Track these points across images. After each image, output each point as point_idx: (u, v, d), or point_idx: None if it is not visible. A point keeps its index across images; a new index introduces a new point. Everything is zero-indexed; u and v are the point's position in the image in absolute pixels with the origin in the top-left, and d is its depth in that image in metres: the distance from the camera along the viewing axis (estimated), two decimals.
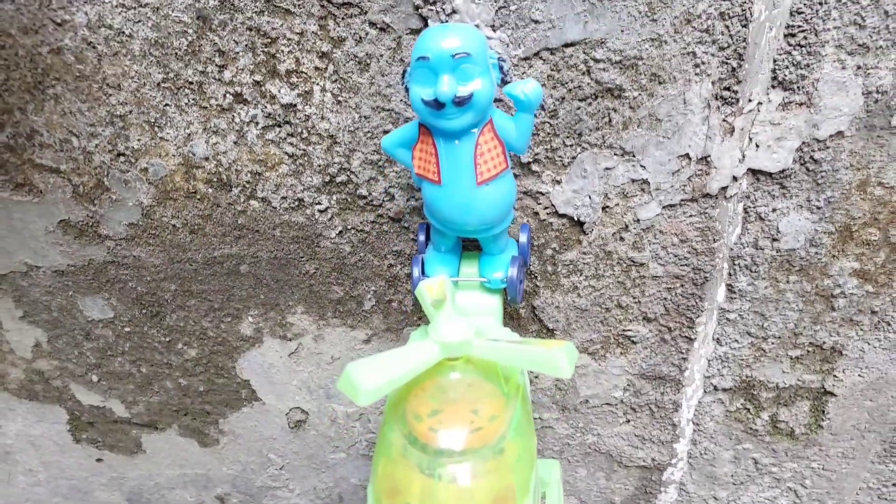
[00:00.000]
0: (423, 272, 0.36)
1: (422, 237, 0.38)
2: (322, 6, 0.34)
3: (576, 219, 0.42)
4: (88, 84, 0.37)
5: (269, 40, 0.35)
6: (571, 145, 0.39)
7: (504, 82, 0.30)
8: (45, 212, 0.41)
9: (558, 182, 0.40)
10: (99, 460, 0.53)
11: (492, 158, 0.30)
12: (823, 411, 0.48)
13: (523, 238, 0.38)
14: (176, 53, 0.36)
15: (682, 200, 0.40)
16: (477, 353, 0.30)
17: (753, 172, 0.39)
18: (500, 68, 0.30)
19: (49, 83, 0.36)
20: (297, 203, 0.41)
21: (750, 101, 0.37)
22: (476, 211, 0.31)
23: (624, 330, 0.47)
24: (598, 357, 0.48)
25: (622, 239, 0.43)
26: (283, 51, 0.36)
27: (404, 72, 0.30)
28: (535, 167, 0.40)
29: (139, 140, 0.39)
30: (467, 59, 0.27)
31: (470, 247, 0.40)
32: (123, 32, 0.35)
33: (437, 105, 0.28)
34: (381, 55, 0.36)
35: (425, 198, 0.32)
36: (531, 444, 0.31)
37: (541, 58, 0.36)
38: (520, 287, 0.37)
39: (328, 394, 0.49)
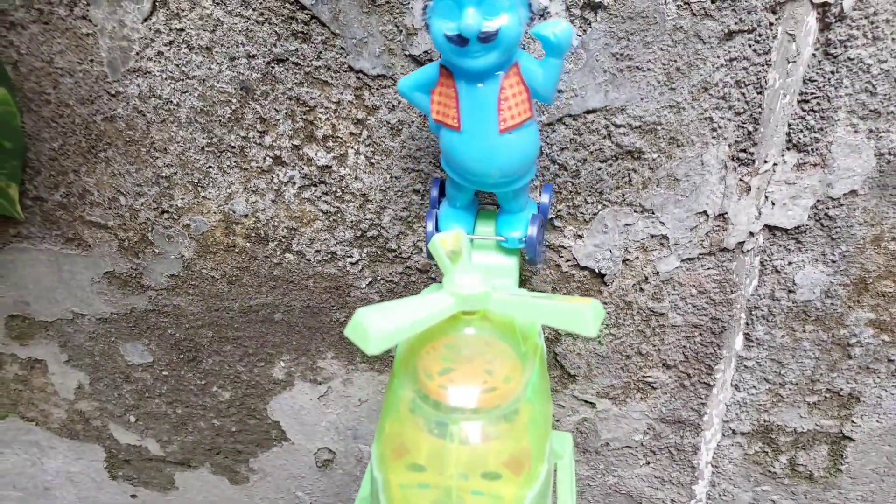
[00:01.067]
0: (436, 228, 0.34)
1: (435, 192, 0.35)
2: (358, 78, 0.37)
3: (597, 271, 0.43)
4: (137, 148, 0.39)
5: (307, 108, 0.38)
6: (593, 202, 0.41)
7: (532, 22, 0.29)
8: (92, 264, 0.43)
9: (580, 236, 0.42)
10: (133, 496, 0.55)
11: (517, 105, 0.28)
12: (842, 455, 0.49)
13: (545, 198, 0.35)
14: (220, 120, 0.38)
15: (700, 254, 0.42)
16: (496, 307, 0.28)
17: (769, 228, 0.40)
18: (529, 6, 0.28)
19: (101, 147, 0.39)
20: (329, 256, 0.43)
21: (765, 162, 0.38)
22: (497, 161, 0.30)
23: (644, 376, 0.48)
24: (618, 402, 0.49)
25: (642, 290, 0.44)
26: (320, 118, 0.38)
27: (425, 7, 0.29)
28: (557, 222, 0.41)
29: (182, 198, 0.41)
30: None
31: (487, 205, 0.38)
32: (171, 101, 0.38)
33: (460, 41, 0.26)
34: (413, 121, 0.38)
35: (443, 146, 0.30)
36: (547, 410, 0.29)
37: (563, 123, 0.38)
38: (539, 248, 0.34)
39: (355, 434, 0.51)
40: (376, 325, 0.24)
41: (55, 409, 0.50)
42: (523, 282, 0.44)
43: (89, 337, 0.46)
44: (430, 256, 0.33)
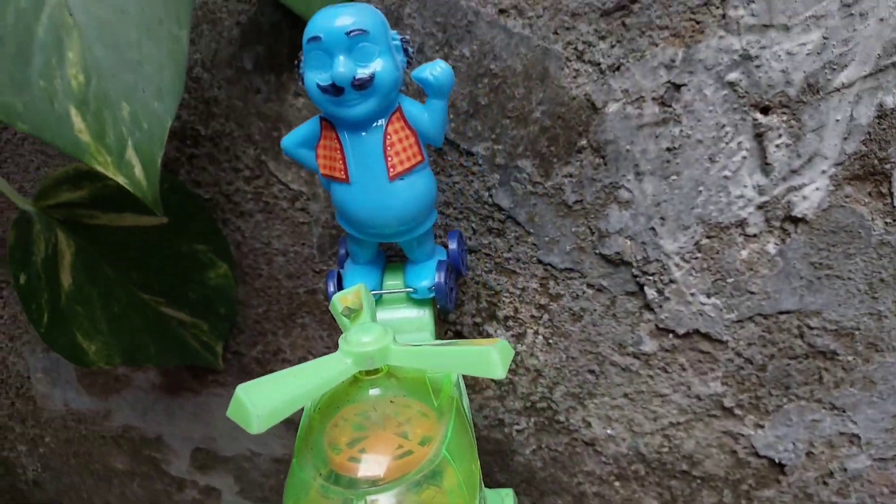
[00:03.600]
0: (339, 288, 0.33)
1: (342, 251, 0.34)
2: (545, 270, 0.38)
3: (776, 461, 0.41)
4: (329, 316, 0.42)
5: (492, 293, 0.39)
6: (777, 395, 0.39)
7: (410, 66, 0.28)
8: None
9: (761, 426, 0.40)
10: None
11: (404, 150, 0.28)
12: None
13: (452, 245, 0.34)
14: None
15: (894, 455, 0.39)
16: (397, 361, 0.26)
17: None
18: (405, 51, 0.27)
19: (300, 315, 0.42)
20: (497, 422, 0.44)
21: None
22: (391, 210, 0.28)
23: None
24: None
25: (825, 484, 0.42)
26: (504, 301, 0.39)
27: (297, 62, 0.27)
28: (737, 411, 0.40)
29: None
30: (364, 38, 0.25)
31: (394, 258, 0.36)
32: None
33: (335, 90, 0.25)
34: (595, 310, 0.39)
35: (335, 201, 0.29)
36: (473, 467, 0.26)
37: (753, 321, 0.37)
38: (451, 295, 0.33)
39: None
40: (260, 400, 0.22)
41: None
42: None
43: (262, 473, 0.49)
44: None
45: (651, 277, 0.37)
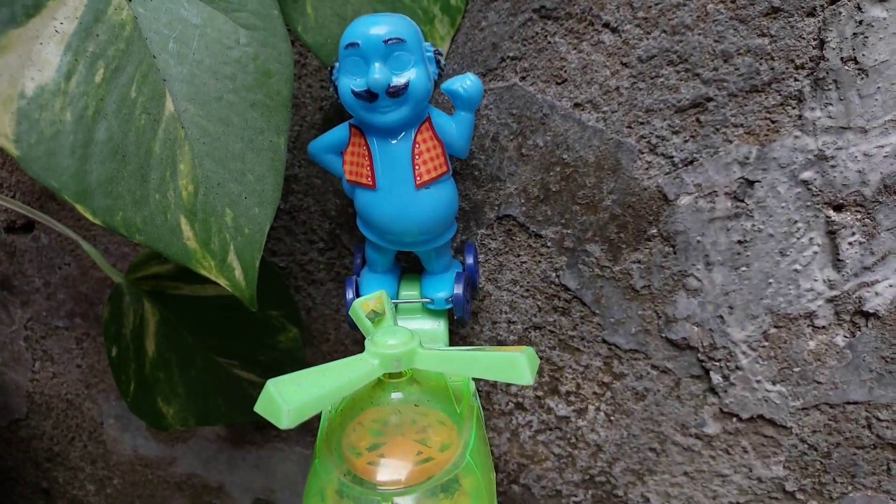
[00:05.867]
0: (357, 296, 0.33)
1: (358, 260, 0.35)
2: (609, 349, 0.38)
3: None
4: None
5: (555, 367, 0.40)
6: (843, 483, 0.39)
7: (441, 79, 0.28)
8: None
9: None
10: None
11: (431, 159, 0.28)
12: None
13: (469, 259, 0.35)
14: None
15: None
16: (423, 364, 0.25)
17: None
18: (437, 62, 0.27)
19: None
20: (554, 493, 0.44)
21: None
22: (415, 218, 0.29)
23: None
24: None
25: None
26: (566, 376, 0.40)
27: (331, 68, 0.27)
28: (799, 495, 0.40)
29: None
30: (401, 47, 0.26)
31: (409, 270, 0.37)
32: None
33: (369, 96, 0.26)
34: (659, 390, 0.39)
35: (359, 207, 0.30)
36: (490, 477, 0.26)
37: (819, 409, 0.37)
38: (467, 307, 0.33)
39: None
40: (289, 395, 0.22)
41: None
42: None
43: None
44: (352, 326, 0.31)
45: (717, 363, 0.37)
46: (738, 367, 0.37)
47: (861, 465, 0.38)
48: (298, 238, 0.40)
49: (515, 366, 0.24)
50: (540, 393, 0.41)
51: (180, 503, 0.53)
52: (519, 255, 0.37)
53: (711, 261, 0.35)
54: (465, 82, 0.27)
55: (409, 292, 0.34)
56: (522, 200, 0.36)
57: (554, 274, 0.37)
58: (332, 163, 0.30)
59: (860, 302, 0.34)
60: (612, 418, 0.41)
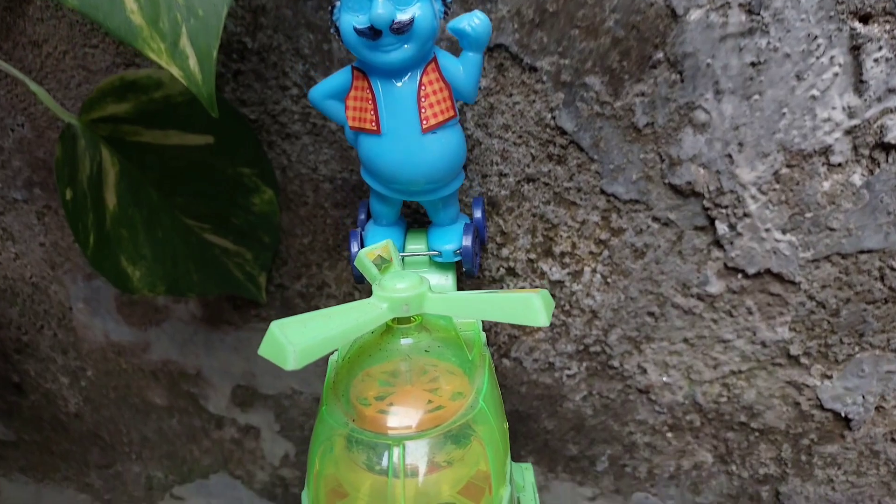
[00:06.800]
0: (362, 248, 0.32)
1: (362, 215, 0.34)
2: (608, 201, 0.36)
3: (843, 415, 0.39)
4: None
5: (550, 226, 0.37)
6: (850, 344, 0.37)
7: (447, 17, 0.26)
8: None
9: (828, 377, 0.38)
10: None
11: (438, 102, 0.27)
12: None
13: (477, 213, 0.34)
14: None
15: None
16: (433, 308, 0.25)
17: None
18: (443, 0, 0.26)
19: (346, 247, 0.41)
20: (547, 366, 0.42)
21: None
22: (422, 163, 0.28)
23: None
24: None
25: (894, 441, 0.39)
26: (561, 235, 0.37)
27: (332, 8, 0.26)
28: (803, 360, 0.38)
29: None
30: None
31: (416, 225, 0.36)
32: None
33: (372, 33, 0.25)
34: (659, 246, 0.36)
35: (362, 155, 0.29)
36: (503, 426, 0.26)
37: (830, 261, 0.35)
38: (476, 259, 0.32)
39: None
40: (295, 336, 0.21)
41: (260, 471, 0.52)
42: None
43: (303, 413, 0.48)
44: (358, 279, 0.30)
45: (723, 210, 0.34)
46: (745, 215, 0.34)
47: (870, 323, 0.36)
48: (269, 84, 0.37)
49: (530, 306, 0.23)
50: (532, 256, 0.39)
51: (157, 393, 0.51)
52: (511, 95, 0.34)
53: (721, 88, 0.32)
54: (473, 20, 0.25)
55: (416, 245, 0.33)
56: (516, 26, 0.32)
57: (549, 115, 0.34)
58: (334, 109, 0.29)
59: (881, 132, 0.31)
60: (608, 280, 0.38)
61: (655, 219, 0.36)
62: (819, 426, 0.40)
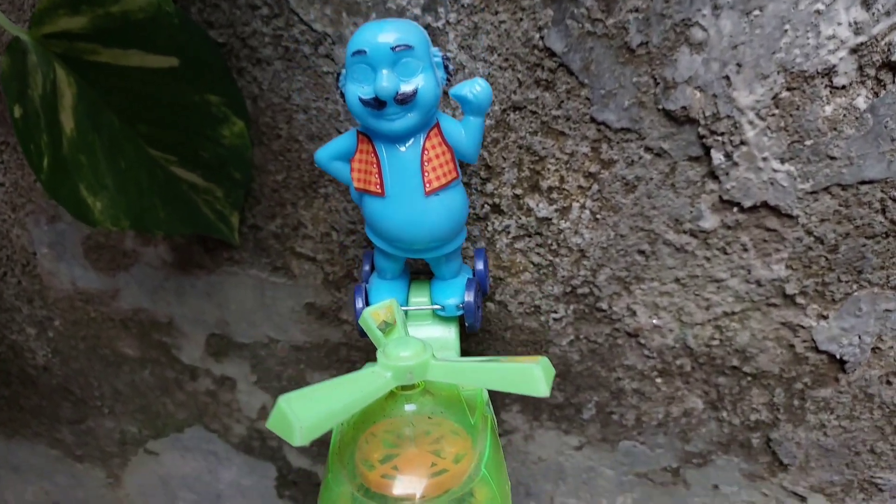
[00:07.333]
0: (366, 304, 0.33)
1: (367, 267, 0.35)
2: (598, 130, 0.34)
3: (837, 357, 0.38)
4: None
5: (536, 158, 0.35)
6: (847, 282, 0.35)
7: (449, 84, 0.27)
8: (295, 293, 0.43)
9: (824, 317, 0.37)
10: None
11: (440, 165, 0.28)
12: None
13: (479, 265, 0.35)
14: None
15: None
16: (436, 376, 0.25)
17: None
18: (445, 68, 0.27)
19: (322, 183, 0.39)
20: (533, 309, 0.40)
21: None
22: (425, 225, 0.29)
23: (872, 476, 0.42)
24: (835, 499, 0.43)
25: (889, 383, 0.38)
26: (549, 168, 0.36)
27: (338, 75, 0.27)
28: (799, 299, 0.37)
29: None
30: (408, 53, 0.25)
31: (419, 276, 0.36)
32: None
33: (377, 104, 0.26)
34: (651, 178, 0.35)
35: (367, 215, 0.30)
36: (505, 489, 0.26)
37: (829, 192, 0.33)
38: (478, 313, 0.33)
39: (528, 491, 0.48)
40: (302, 411, 0.22)
41: (237, 424, 0.51)
42: None
43: (280, 362, 0.47)
44: (362, 333, 0.31)
45: (719, 138, 0.33)
46: (742, 143, 0.32)
47: (869, 259, 0.35)
48: (238, 3, 0.34)
49: (530, 377, 0.24)
50: (519, 191, 0.37)
51: (128, 343, 0.49)
52: (497, 13, 0.32)
53: (720, 3, 0.30)
54: (475, 87, 0.27)
55: (419, 298, 0.34)
56: None
57: (537, 35, 0.32)
58: (339, 170, 0.30)
59: (889, 50, 0.29)
60: (598, 217, 0.36)
61: (648, 149, 0.34)
62: (813, 369, 0.39)
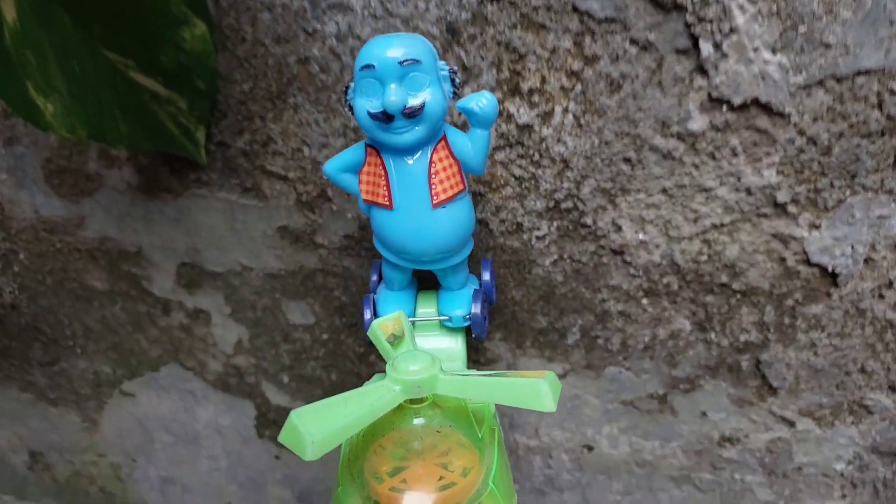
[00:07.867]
0: (375, 314, 0.34)
1: (374, 277, 0.35)
2: (581, 21, 0.32)
3: (829, 269, 0.36)
4: (328, 95, 0.36)
5: (517, 57, 0.33)
6: (840, 187, 0.34)
7: (456, 96, 0.28)
8: (267, 216, 0.41)
9: (816, 227, 0.35)
10: (277, 457, 0.54)
11: (448, 178, 0.28)
12: None
13: (486, 275, 0.35)
14: None
15: None
16: (445, 390, 0.26)
17: None
18: (452, 81, 0.28)
19: (291, 93, 0.37)
20: (515, 227, 0.39)
21: None
22: (432, 236, 0.29)
23: (862, 397, 0.41)
24: (823, 423, 0.42)
25: (882, 297, 0.37)
26: (529, 68, 0.34)
27: (346, 88, 0.28)
28: (791, 208, 0.35)
29: None
30: (416, 68, 0.26)
31: (426, 286, 0.36)
32: None
33: (385, 117, 0.26)
34: (637, 75, 0.33)
35: (375, 227, 0.30)
36: (513, 502, 0.27)
37: (823, 86, 0.31)
38: (485, 324, 0.34)
39: (512, 423, 0.47)
40: (313, 426, 0.23)
41: (213, 360, 0.49)
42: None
43: (254, 291, 0.45)
44: (370, 345, 0.32)
45: (708, 26, 0.31)
46: (732, 30, 0.31)
47: (864, 161, 0.33)
48: None
49: (538, 392, 0.24)
50: (498, 95, 0.35)
51: (96, 276, 0.47)
52: None
53: None
54: (481, 101, 0.27)
55: (427, 309, 0.34)
56: None
57: None
58: (348, 182, 0.30)
59: None
60: (581, 122, 0.35)
61: (633, 41, 0.32)
62: (804, 284, 0.37)
